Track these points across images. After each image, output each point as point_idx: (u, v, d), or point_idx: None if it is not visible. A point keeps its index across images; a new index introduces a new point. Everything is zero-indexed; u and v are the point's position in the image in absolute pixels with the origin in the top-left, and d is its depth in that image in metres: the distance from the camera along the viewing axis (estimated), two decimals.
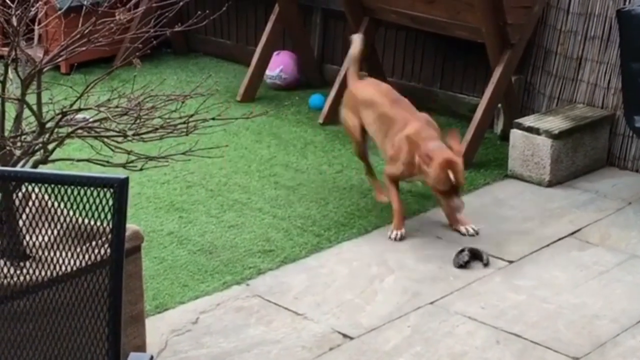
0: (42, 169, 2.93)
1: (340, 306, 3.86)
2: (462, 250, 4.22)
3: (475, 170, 5.22)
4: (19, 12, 3.07)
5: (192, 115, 3.21)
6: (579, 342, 3.62)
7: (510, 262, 4.24)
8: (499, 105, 5.52)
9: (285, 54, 6.50)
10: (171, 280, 4.03)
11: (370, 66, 6.08)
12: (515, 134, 5.12)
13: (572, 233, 4.53)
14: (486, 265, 4.18)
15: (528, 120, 5.16)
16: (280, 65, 6.43)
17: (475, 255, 4.22)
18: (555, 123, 5.11)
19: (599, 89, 5.36)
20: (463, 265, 4.16)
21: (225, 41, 7.12)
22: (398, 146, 4.43)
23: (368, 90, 4.78)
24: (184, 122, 3.12)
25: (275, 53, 6.41)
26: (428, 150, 4.24)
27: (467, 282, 4.06)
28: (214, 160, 4.99)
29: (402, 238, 4.39)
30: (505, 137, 5.42)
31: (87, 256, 2.21)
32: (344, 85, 5.86)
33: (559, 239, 4.46)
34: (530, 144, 5.06)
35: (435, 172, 4.20)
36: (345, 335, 3.66)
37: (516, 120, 5.19)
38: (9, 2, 3.12)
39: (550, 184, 5.04)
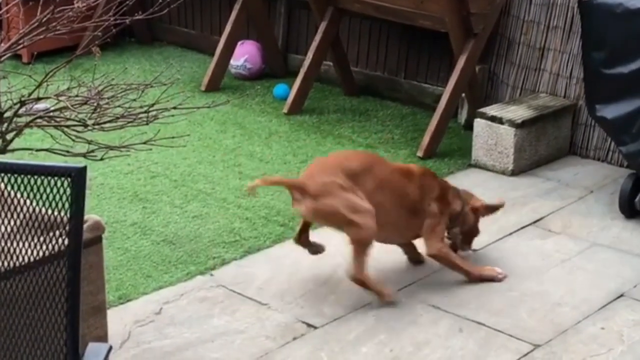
0: (0, 158, 2.90)
1: (304, 296, 3.86)
2: None
3: (439, 159, 5.24)
4: None
5: (153, 105, 3.19)
6: (541, 330, 3.65)
7: (474, 250, 4.26)
8: (463, 94, 5.54)
9: (250, 43, 6.48)
10: (134, 270, 4.01)
11: (335, 56, 6.08)
12: (478, 123, 5.15)
13: (535, 221, 4.56)
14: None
15: (492, 110, 5.18)
16: (245, 55, 6.41)
17: None
18: (518, 112, 5.14)
19: (562, 79, 5.39)
20: None
21: (190, 30, 7.08)
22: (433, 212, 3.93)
23: (355, 161, 3.84)
24: (145, 112, 3.10)
25: (239, 43, 6.39)
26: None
27: (430, 270, 4.07)
28: (178, 150, 4.97)
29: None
30: (469, 126, 5.44)
31: (45, 246, 2.18)
32: (308, 75, 5.88)
33: (522, 228, 4.49)
34: (494, 133, 5.09)
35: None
36: (309, 325, 3.66)
37: (480, 110, 5.21)
38: None
39: (513, 173, 5.07)
